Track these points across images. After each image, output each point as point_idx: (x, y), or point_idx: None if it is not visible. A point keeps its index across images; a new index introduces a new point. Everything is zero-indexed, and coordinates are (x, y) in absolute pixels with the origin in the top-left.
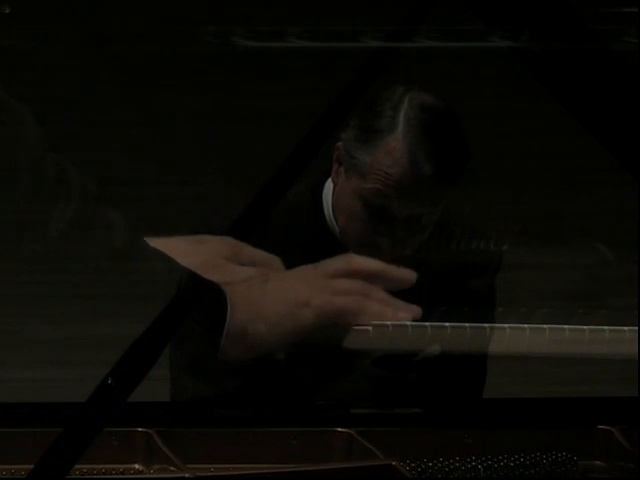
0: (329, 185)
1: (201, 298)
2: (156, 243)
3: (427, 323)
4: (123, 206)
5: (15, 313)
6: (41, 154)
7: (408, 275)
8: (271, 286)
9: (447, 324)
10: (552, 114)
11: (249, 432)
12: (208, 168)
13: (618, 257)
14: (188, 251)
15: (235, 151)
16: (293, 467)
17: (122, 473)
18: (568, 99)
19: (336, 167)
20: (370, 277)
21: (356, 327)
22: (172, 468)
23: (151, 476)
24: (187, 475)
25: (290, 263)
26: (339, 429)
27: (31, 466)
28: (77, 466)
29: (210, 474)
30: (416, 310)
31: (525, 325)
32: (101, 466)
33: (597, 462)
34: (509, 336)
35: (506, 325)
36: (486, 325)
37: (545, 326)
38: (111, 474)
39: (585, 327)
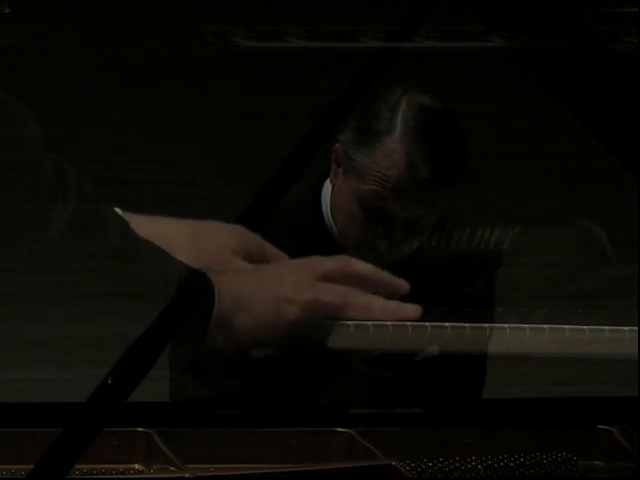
0: (328, 186)
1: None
2: (153, 231)
3: (427, 323)
4: (123, 206)
5: (15, 313)
6: (41, 154)
7: (401, 284)
8: (258, 278)
9: (447, 324)
10: (552, 114)
11: (249, 432)
12: (208, 168)
13: (618, 257)
14: (190, 245)
15: (235, 151)
16: (293, 467)
17: (122, 473)
18: (568, 99)
19: (334, 168)
20: (362, 281)
21: (356, 326)
22: (172, 468)
23: (151, 476)
24: (187, 475)
25: None
26: (339, 429)
27: (31, 466)
28: (77, 466)
29: (210, 474)
30: (411, 310)
31: (525, 325)
32: (101, 466)
33: (597, 462)
34: (509, 336)
35: (506, 325)
36: (486, 325)
37: (545, 326)
38: (111, 474)
39: (585, 327)
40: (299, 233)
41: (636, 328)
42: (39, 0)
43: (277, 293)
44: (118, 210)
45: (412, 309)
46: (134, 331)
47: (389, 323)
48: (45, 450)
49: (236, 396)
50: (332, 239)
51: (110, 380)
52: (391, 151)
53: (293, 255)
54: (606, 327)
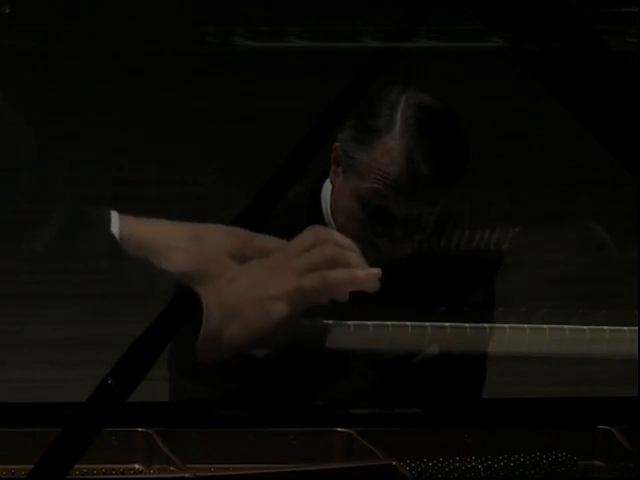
0: (328, 185)
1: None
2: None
3: (427, 323)
4: (123, 206)
5: (15, 313)
6: (40, 154)
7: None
8: (239, 284)
9: (447, 324)
10: (552, 114)
11: (249, 432)
12: (208, 168)
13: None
14: (189, 246)
15: (235, 151)
16: (293, 467)
17: (122, 473)
18: (568, 99)
19: (334, 168)
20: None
21: (356, 327)
22: (172, 468)
23: (151, 476)
24: (187, 475)
25: None
26: (339, 429)
27: (31, 466)
28: (77, 466)
29: (210, 474)
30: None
31: (525, 325)
32: (101, 466)
33: (597, 462)
34: (509, 336)
35: (506, 325)
36: (486, 325)
37: (545, 326)
38: (111, 474)
39: (585, 327)
40: (299, 233)
41: (636, 328)
42: (39, 0)
43: (261, 294)
44: (114, 214)
45: None
46: (134, 331)
47: (389, 323)
48: (45, 450)
49: (235, 397)
50: None
51: (110, 380)
52: (390, 148)
53: None
54: (606, 327)
